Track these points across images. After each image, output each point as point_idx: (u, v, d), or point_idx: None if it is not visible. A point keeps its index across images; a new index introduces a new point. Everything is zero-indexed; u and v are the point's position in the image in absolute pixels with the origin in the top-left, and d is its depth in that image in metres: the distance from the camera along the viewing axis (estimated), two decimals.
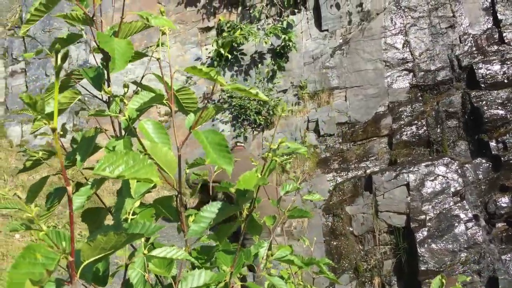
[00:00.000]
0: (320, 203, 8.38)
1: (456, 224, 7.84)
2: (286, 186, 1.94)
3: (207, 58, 9.75)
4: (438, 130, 8.95)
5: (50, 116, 1.05)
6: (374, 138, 9.16)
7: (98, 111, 1.24)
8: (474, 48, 9.28)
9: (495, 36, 9.26)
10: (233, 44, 9.21)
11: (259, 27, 9.70)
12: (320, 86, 9.46)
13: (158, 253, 1.03)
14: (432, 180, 8.17)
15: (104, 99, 1.38)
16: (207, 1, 9.90)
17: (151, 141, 1.30)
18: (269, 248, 1.81)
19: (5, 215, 6.29)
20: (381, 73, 9.38)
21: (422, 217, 7.94)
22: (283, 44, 9.36)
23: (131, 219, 1.20)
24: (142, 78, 1.56)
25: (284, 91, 9.56)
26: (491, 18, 9.33)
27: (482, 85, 8.85)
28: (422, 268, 7.57)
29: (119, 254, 1.19)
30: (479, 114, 8.63)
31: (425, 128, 9.01)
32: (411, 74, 9.37)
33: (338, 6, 9.61)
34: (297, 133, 9.27)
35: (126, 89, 1.32)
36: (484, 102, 8.70)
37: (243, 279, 3.61)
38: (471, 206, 8.12)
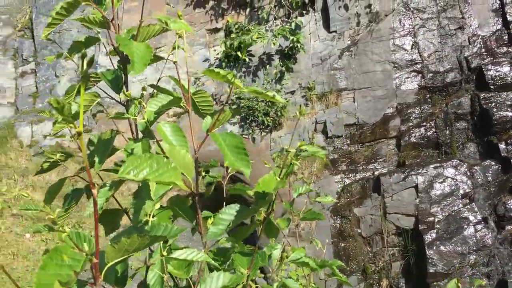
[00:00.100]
0: (328, 204, 8.38)
1: (465, 227, 7.80)
2: (298, 188, 1.94)
3: (215, 59, 9.77)
4: (447, 132, 8.92)
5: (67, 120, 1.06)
6: (382, 139, 9.14)
7: (118, 114, 1.26)
8: (483, 50, 9.24)
9: (504, 37, 9.21)
10: (241, 45, 9.22)
11: (267, 28, 9.71)
12: (328, 87, 9.45)
13: (178, 255, 1.04)
14: (441, 182, 8.14)
15: (122, 102, 1.39)
16: (215, 3, 9.93)
17: (169, 143, 1.31)
18: (282, 250, 1.82)
19: (16, 215, 6.33)
20: (390, 74, 9.36)
21: (431, 219, 7.91)
22: (291, 45, 9.37)
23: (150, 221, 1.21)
24: (158, 80, 1.57)
25: (292, 93, 9.57)
26: (501, 20, 9.28)
27: (491, 87, 8.81)
28: (431, 271, 7.54)
29: (135, 255, 1.20)
30: (488, 116, 8.59)
31: (433, 130, 8.98)
32: (420, 75, 9.34)
33: (346, 8, 9.60)
34: (305, 134, 9.27)
35: (144, 92, 1.33)
36: (493, 104, 8.66)
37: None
38: (480, 208, 8.08)
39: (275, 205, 1.21)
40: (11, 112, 8.99)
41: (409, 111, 9.23)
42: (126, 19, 8.06)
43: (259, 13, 9.75)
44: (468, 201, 8.09)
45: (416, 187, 8.15)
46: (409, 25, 9.51)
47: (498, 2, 9.34)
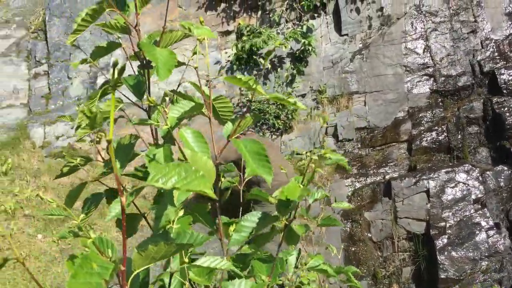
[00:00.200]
0: (338, 208, 8.35)
1: (477, 232, 7.73)
2: (314, 194, 1.94)
3: (226, 62, 9.79)
4: (459, 137, 8.86)
5: (91, 126, 1.06)
6: (393, 143, 9.10)
7: (142, 120, 1.26)
8: (496, 54, 9.17)
9: None
10: (253, 48, 9.23)
11: (278, 31, 9.71)
12: (339, 90, 9.43)
13: (202, 263, 1.04)
14: (453, 187, 8.08)
15: (144, 107, 1.39)
16: (227, 5, 9.95)
17: (191, 149, 1.31)
18: (298, 256, 1.81)
19: (28, 216, 6.38)
20: (401, 78, 9.32)
21: (442, 224, 7.85)
22: (302, 48, 9.36)
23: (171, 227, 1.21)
24: (178, 86, 1.58)
25: (303, 96, 9.56)
26: None
27: (504, 91, 8.73)
28: (442, 276, 7.48)
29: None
30: (501, 120, 8.52)
31: (445, 134, 8.92)
32: (432, 79, 9.29)
33: (358, 11, 9.58)
34: (315, 137, 9.25)
35: (166, 98, 1.33)
36: (506, 109, 8.59)
37: None
38: (492, 214, 8.01)
39: (297, 212, 1.21)
40: (24, 113, 9.07)
41: (420, 115, 9.18)
42: (140, 22, 8.08)
43: (270, 15, 9.76)
44: (480, 206, 8.02)
45: (427, 191, 8.09)
46: (421, 28, 9.47)
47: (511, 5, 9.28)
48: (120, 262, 0.88)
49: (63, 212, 1.20)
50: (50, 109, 9.03)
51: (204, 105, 1.41)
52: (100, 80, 9.03)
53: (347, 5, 9.58)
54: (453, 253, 7.60)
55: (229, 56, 9.74)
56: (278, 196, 1.17)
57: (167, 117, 1.32)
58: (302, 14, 9.72)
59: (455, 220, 7.87)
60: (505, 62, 9.05)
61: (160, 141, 1.47)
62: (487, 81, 9.07)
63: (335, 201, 7.32)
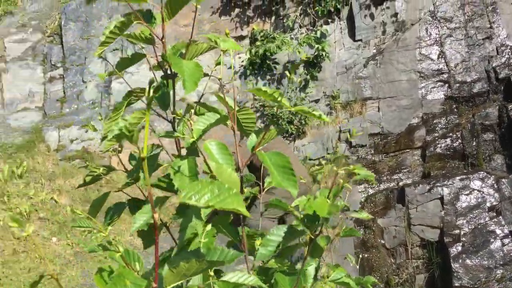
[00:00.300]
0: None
1: (492, 240, 7.64)
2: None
3: (239, 67, 9.80)
4: (474, 143, 8.78)
5: (118, 138, 1.07)
6: (407, 150, 9.04)
7: (168, 133, 1.26)
8: (511, 60, 9.08)
9: None
10: (266, 53, 9.24)
11: (292, 36, 9.71)
12: (353, 96, 9.40)
13: (229, 278, 1.04)
14: (467, 194, 8.00)
15: (169, 119, 1.39)
16: (241, 10, 9.98)
17: (215, 161, 1.31)
18: (317, 268, 1.80)
19: (42, 219, 6.43)
20: (415, 84, 9.26)
21: (457, 231, 7.78)
22: (316, 53, 9.35)
23: (197, 241, 1.21)
24: (201, 97, 1.58)
25: (316, 101, 9.54)
26: None
27: None
28: (456, 284, 7.40)
29: None
30: None
31: (460, 141, 8.85)
32: (446, 85, 9.22)
33: (372, 16, 9.55)
34: (328, 143, 9.23)
35: (192, 110, 1.34)
36: None
37: None
38: (508, 221, 7.91)
39: (323, 227, 1.20)
40: (39, 116, 9.16)
41: (434, 121, 9.11)
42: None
43: (284, 21, 9.77)
44: (495, 214, 7.93)
45: (441, 198, 8.02)
46: (436, 34, 9.41)
47: None
48: (152, 278, 0.88)
49: (90, 224, 1.21)
50: (65, 113, 9.11)
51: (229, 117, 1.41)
52: (115, 85, 9.08)
53: (361, 11, 9.56)
54: (468, 261, 7.52)
55: (242, 61, 9.76)
56: (305, 211, 1.17)
57: (191, 129, 1.32)
58: (316, 19, 9.71)
59: (469, 227, 7.79)
60: None
61: (183, 151, 1.47)
62: (502, 88, 8.99)
63: (349, 208, 7.24)
